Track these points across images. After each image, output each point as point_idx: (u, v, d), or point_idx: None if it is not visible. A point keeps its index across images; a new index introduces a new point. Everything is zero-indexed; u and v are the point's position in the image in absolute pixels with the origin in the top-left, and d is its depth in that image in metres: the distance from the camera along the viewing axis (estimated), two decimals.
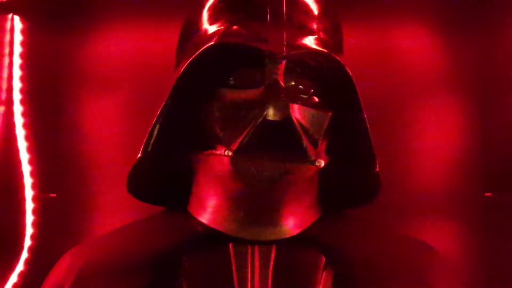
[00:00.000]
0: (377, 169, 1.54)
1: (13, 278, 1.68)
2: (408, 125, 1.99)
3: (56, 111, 1.97)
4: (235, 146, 1.42)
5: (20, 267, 1.72)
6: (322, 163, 1.45)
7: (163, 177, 1.61)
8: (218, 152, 1.44)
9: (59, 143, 1.95)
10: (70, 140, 1.96)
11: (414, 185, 1.99)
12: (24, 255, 1.72)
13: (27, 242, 1.73)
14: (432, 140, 1.99)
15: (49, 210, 1.87)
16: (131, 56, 2.02)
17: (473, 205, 1.91)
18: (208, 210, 1.50)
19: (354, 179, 1.56)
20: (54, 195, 1.89)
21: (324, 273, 1.44)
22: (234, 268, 1.44)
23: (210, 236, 1.49)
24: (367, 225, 1.63)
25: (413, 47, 2.00)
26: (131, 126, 1.85)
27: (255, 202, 1.46)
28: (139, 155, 1.51)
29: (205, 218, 1.50)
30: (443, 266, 1.59)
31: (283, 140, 1.42)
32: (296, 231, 1.49)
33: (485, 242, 1.86)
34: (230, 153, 1.43)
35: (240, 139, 1.42)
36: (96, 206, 1.91)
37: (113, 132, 1.97)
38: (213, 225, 1.49)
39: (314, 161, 1.45)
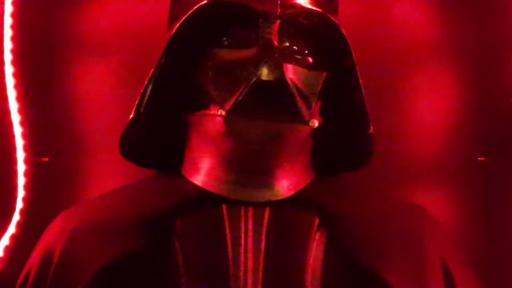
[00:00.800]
0: (371, 130, 1.57)
1: (5, 240, 1.66)
2: (403, 91, 1.98)
3: (48, 75, 1.93)
4: (228, 105, 1.41)
5: (11, 229, 1.71)
6: (316, 123, 1.44)
7: (156, 140, 1.59)
8: (212, 112, 1.44)
9: (51, 107, 1.92)
10: (62, 104, 1.92)
11: (409, 151, 1.96)
12: (16, 217, 1.71)
13: (19, 205, 1.72)
14: (427, 106, 1.97)
15: (41, 174, 1.88)
16: (124, 21, 1.99)
17: (467, 170, 1.90)
18: (202, 172, 1.50)
19: (348, 141, 1.55)
20: (47, 159, 1.90)
21: (317, 234, 1.44)
22: (227, 229, 1.44)
23: (204, 198, 1.48)
24: (362, 189, 1.63)
25: (409, 14, 1.99)
26: (124, 91, 1.81)
27: (249, 163, 1.45)
28: (131, 115, 1.50)
29: (198, 180, 1.50)
30: (437, 229, 1.57)
31: (276, 100, 1.41)
32: (289, 193, 1.49)
33: (479, 206, 1.84)
34: (224, 113, 1.42)
35: (233, 99, 1.41)
36: (89, 170, 1.88)
37: (105, 97, 1.94)
38: (206, 187, 1.49)
39: (308, 121, 1.45)
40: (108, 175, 1.83)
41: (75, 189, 1.81)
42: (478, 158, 1.85)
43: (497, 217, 1.76)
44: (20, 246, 1.67)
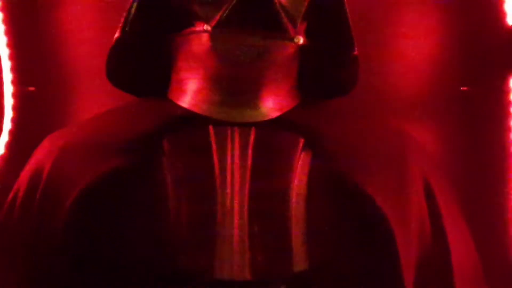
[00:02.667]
0: (356, 52, 1.58)
1: None
2: (387, 28, 2.01)
3: (35, 7, 1.96)
4: (214, 21, 1.43)
5: (0, 150, 1.74)
6: (301, 40, 1.46)
7: (142, 65, 1.58)
8: (197, 29, 1.45)
9: (38, 38, 1.93)
10: (49, 34, 1.93)
11: (393, 84, 1.98)
12: (4, 138, 1.74)
13: (7, 126, 1.74)
14: (410, 41, 1.99)
15: (28, 103, 1.89)
16: None
17: (450, 101, 1.92)
18: (188, 94, 1.52)
19: (333, 64, 1.56)
20: (33, 88, 1.91)
21: (302, 154, 1.46)
22: (214, 150, 1.46)
23: (190, 119, 1.50)
24: (347, 113, 1.66)
25: None
26: (110, 21, 1.83)
27: (234, 83, 1.47)
28: (116, 35, 1.52)
29: (185, 102, 1.52)
30: (420, 151, 1.59)
31: (262, 16, 1.42)
32: (275, 114, 1.50)
33: (462, 135, 1.87)
34: (209, 28, 1.43)
35: (219, 15, 1.42)
36: (75, 100, 1.89)
37: (92, 25, 1.93)
38: (193, 108, 1.50)
39: (293, 37, 1.46)
40: (95, 104, 1.84)
41: (62, 116, 1.82)
42: (461, 88, 1.89)
43: (480, 144, 1.80)
44: (9, 166, 1.70)
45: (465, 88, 1.85)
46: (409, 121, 1.84)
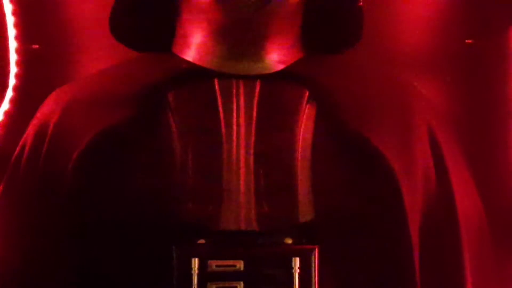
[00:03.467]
0: (360, 3, 1.59)
1: None
2: None
3: None
4: None
5: (5, 105, 1.75)
6: None
7: (147, 20, 1.58)
8: None
9: None
10: None
11: (397, 39, 1.98)
12: (9, 93, 1.75)
13: (12, 81, 1.75)
14: None
15: (32, 61, 1.89)
16: None
17: (455, 54, 1.93)
18: (193, 48, 1.52)
19: (337, 15, 1.57)
20: (37, 46, 1.91)
21: (307, 106, 1.47)
22: (219, 102, 1.47)
23: (195, 73, 1.50)
24: (352, 66, 1.65)
25: None
26: None
27: (239, 34, 1.47)
28: None
29: (189, 55, 1.52)
30: (425, 101, 1.59)
31: None
32: (279, 67, 1.51)
33: (466, 87, 1.88)
34: None
35: None
36: (79, 57, 1.90)
37: None
38: (198, 62, 1.51)
39: None
40: (99, 61, 1.84)
41: (66, 73, 1.82)
42: (466, 41, 1.90)
43: (483, 96, 1.80)
44: (14, 121, 1.71)
45: (469, 41, 1.88)
46: (414, 75, 1.86)
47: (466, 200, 1.54)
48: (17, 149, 1.53)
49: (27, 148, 1.51)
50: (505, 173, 1.69)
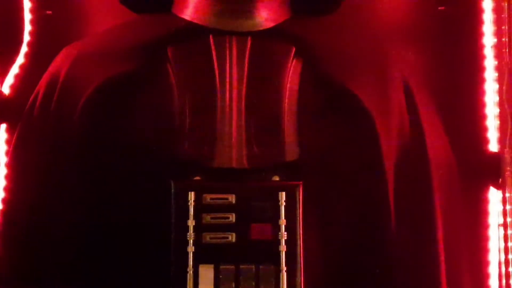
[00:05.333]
0: None
1: (14, 69, 1.76)
2: None
3: None
4: None
5: (20, 59, 1.85)
6: None
7: None
8: None
9: None
10: None
11: (376, 7, 2.13)
12: (24, 48, 1.81)
13: (26, 37, 1.81)
14: None
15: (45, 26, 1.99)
16: None
17: (429, 19, 2.01)
18: (190, 7, 1.67)
19: None
20: (50, 12, 2.01)
21: (293, 61, 1.62)
22: (214, 56, 1.62)
23: (192, 30, 1.66)
24: (335, 26, 1.79)
25: None
26: None
27: None
28: None
29: (187, 15, 1.68)
30: (402, 57, 1.76)
31: None
32: (269, 24, 1.66)
33: (440, 49, 1.92)
34: None
35: None
36: (88, 18, 1.95)
37: None
38: (194, 20, 1.66)
39: None
40: (105, 23, 1.92)
41: (75, 32, 1.90)
42: (438, 8, 2.03)
43: (456, 60, 1.90)
44: (28, 74, 1.82)
45: (442, 8, 2.01)
46: (390, 38, 1.99)
47: (436, 140, 1.70)
48: (31, 97, 1.68)
49: (40, 96, 1.68)
50: (471, 121, 1.77)
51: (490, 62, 1.77)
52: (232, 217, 1.52)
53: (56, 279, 1.56)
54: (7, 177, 1.67)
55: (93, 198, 1.55)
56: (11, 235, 1.62)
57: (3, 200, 1.67)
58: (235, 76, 1.60)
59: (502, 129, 1.74)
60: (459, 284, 1.71)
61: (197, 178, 1.56)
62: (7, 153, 1.70)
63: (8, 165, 1.68)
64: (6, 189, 1.66)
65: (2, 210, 1.66)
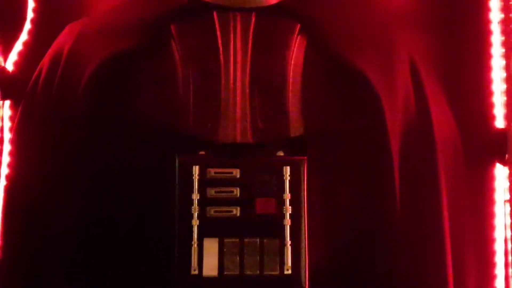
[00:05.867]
0: None
1: (18, 46, 1.73)
2: None
3: None
4: None
5: (24, 36, 1.83)
6: None
7: None
8: None
9: None
10: None
11: None
12: (28, 26, 1.79)
13: (30, 14, 1.77)
14: None
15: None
16: None
17: (435, 5, 1.95)
18: None
19: None
20: None
21: (298, 37, 1.62)
22: (218, 32, 1.61)
23: (196, 6, 1.64)
24: (339, 2, 1.78)
25: None
26: None
27: None
28: None
29: None
30: (407, 31, 1.72)
31: None
32: (273, 1, 1.65)
33: (446, 30, 1.92)
34: None
35: None
36: (94, 1, 1.97)
37: None
38: None
39: None
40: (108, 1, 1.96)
41: (79, 10, 1.89)
42: None
43: (463, 38, 1.88)
44: (32, 51, 1.81)
45: None
46: (398, 17, 1.98)
47: (441, 118, 1.69)
48: (35, 74, 1.68)
49: (43, 72, 1.67)
50: (477, 97, 1.75)
51: (497, 38, 1.74)
52: (237, 191, 1.52)
53: (59, 244, 1.54)
54: (11, 153, 1.66)
55: (97, 172, 1.55)
56: (14, 210, 1.62)
57: (7, 177, 1.66)
58: (239, 52, 1.60)
59: (509, 105, 1.74)
60: (464, 262, 1.70)
61: (202, 152, 1.57)
62: (11, 130, 1.69)
63: (13, 142, 1.67)
64: (10, 165, 1.66)
65: (6, 186, 1.65)
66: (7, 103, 1.73)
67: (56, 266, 1.55)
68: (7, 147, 1.69)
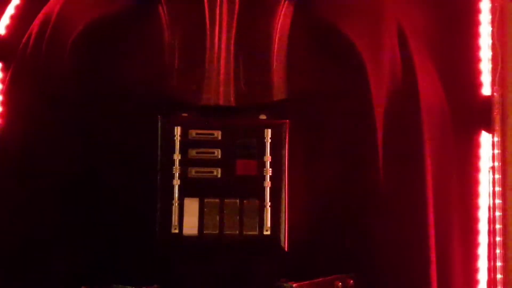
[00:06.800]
0: None
1: (10, 10, 1.72)
2: None
3: None
4: None
5: (16, 0, 1.77)
6: None
7: None
8: None
9: None
10: None
11: None
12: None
13: None
14: None
15: None
16: None
17: None
18: None
19: None
20: None
21: (285, 4, 1.61)
22: (206, 4, 1.62)
23: None
24: None
25: None
26: None
27: None
28: None
29: None
30: (396, 2, 1.75)
31: None
32: None
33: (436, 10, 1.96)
34: None
35: None
36: None
37: None
38: None
39: None
40: None
41: None
42: None
43: (451, 4, 1.88)
44: (23, 15, 1.80)
45: None
46: None
47: (429, 89, 1.68)
48: (25, 37, 1.69)
49: (33, 36, 1.69)
50: (465, 64, 1.73)
51: (485, 5, 1.73)
52: (218, 153, 1.54)
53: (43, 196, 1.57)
54: (1, 115, 1.69)
55: (83, 133, 1.57)
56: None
57: None
58: (225, 16, 1.61)
59: (495, 71, 1.75)
60: (448, 229, 1.70)
61: (184, 114, 1.59)
62: (2, 92, 1.71)
63: (3, 104, 1.69)
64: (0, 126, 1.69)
65: None
66: None
67: (41, 213, 1.57)
68: None
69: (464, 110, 1.75)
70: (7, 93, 1.68)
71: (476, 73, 1.74)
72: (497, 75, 1.66)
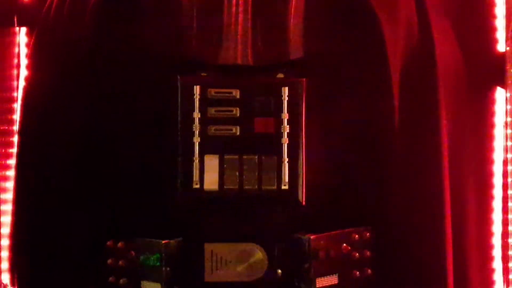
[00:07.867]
0: None
1: None
2: None
3: None
4: None
5: None
6: None
7: None
8: None
9: None
10: None
11: None
12: None
13: None
14: None
15: None
16: None
17: None
18: None
19: None
20: None
21: None
22: None
23: None
24: None
25: None
26: None
27: None
28: None
29: None
30: None
31: None
32: None
33: None
34: None
35: None
36: None
37: None
38: None
39: None
40: None
41: None
42: None
43: None
44: None
45: None
46: None
47: (445, 47, 1.70)
48: (47, 2, 1.73)
49: (54, 3, 1.75)
50: (480, 21, 1.75)
51: None
52: (236, 111, 1.58)
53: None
54: (26, 79, 1.73)
55: (103, 94, 1.61)
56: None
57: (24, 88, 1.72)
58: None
59: (508, 27, 1.77)
60: (463, 182, 1.73)
61: (203, 74, 1.62)
62: (27, 56, 1.79)
63: (28, 67, 1.75)
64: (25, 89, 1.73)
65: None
66: (23, 30, 1.81)
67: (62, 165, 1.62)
68: (23, 72, 1.76)
69: (479, 67, 1.77)
70: (32, 57, 1.73)
71: (492, 30, 1.77)
72: (510, 30, 1.71)
